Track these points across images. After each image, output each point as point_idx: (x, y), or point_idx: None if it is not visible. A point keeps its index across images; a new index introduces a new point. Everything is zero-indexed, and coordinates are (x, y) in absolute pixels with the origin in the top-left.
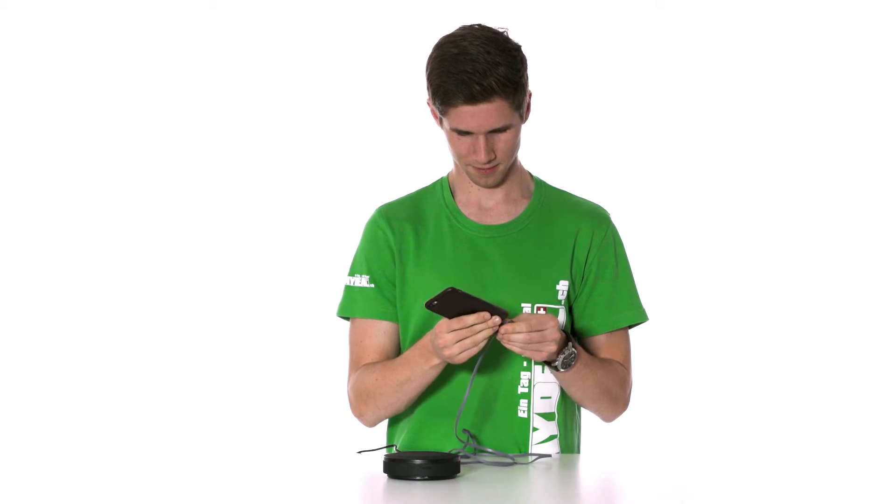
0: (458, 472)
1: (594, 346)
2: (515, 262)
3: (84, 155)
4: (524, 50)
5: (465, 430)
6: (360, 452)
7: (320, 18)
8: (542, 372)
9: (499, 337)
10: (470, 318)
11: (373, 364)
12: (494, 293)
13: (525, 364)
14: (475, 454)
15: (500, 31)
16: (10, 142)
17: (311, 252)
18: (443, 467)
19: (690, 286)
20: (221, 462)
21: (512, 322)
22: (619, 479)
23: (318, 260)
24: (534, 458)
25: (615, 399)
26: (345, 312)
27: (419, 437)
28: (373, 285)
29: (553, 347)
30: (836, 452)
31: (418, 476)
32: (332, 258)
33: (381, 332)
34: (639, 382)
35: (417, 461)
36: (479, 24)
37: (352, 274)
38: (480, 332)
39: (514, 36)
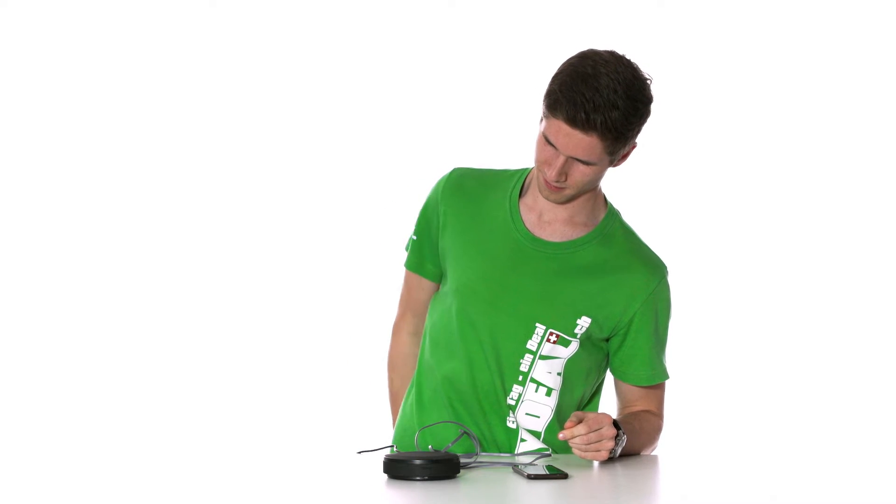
0: (458, 472)
1: (632, 392)
2: (546, 282)
3: (84, 154)
4: (652, 106)
5: (464, 430)
6: (360, 452)
7: (320, 17)
8: (536, 391)
9: (561, 438)
10: None
11: (401, 376)
12: (514, 303)
13: (520, 379)
14: (475, 455)
15: (646, 78)
16: (10, 142)
17: (312, 252)
18: (443, 467)
19: (690, 287)
20: (222, 462)
21: (570, 425)
22: (617, 479)
23: (318, 260)
24: (534, 457)
25: (648, 449)
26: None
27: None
28: (416, 238)
29: (611, 445)
30: (837, 454)
31: (418, 476)
32: (332, 258)
33: (418, 285)
34: None
35: (417, 461)
36: (629, 61)
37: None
38: None
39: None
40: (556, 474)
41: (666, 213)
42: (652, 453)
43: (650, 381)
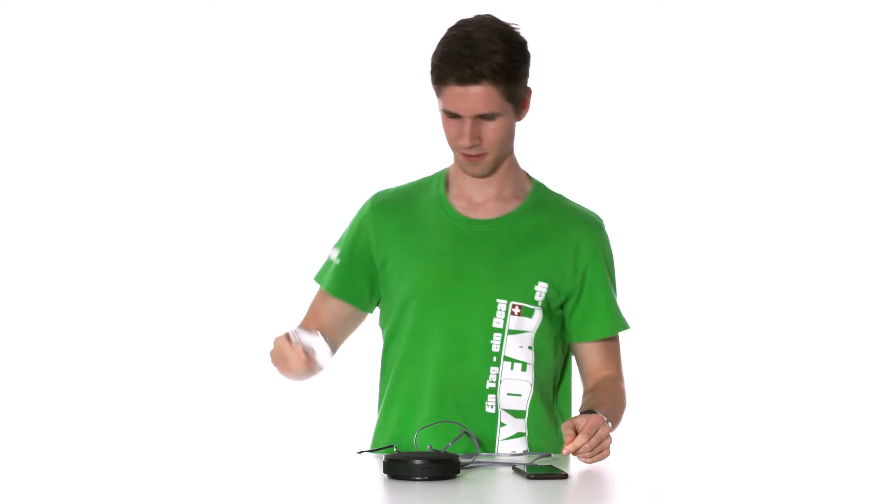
0: (458, 472)
1: (589, 350)
2: (496, 258)
3: (85, 155)
4: (530, 47)
5: (463, 430)
6: (360, 452)
7: (323, 18)
8: (511, 369)
9: (566, 453)
10: None
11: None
12: (471, 286)
13: (494, 360)
14: (475, 455)
15: (512, 25)
16: (10, 142)
17: (312, 251)
18: (443, 467)
19: (688, 287)
20: (222, 462)
21: (570, 439)
22: (616, 479)
23: (316, 259)
24: (534, 457)
25: (622, 414)
26: (317, 278)
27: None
28: (339, 261)
29: (610, 441)
30: (834, 454)
31: (418, 476)
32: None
33: (329, 308)
34: (632, 385)
35: (417, 461)
36: (492, 16)
37: (334, 247)
38: None
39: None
40: (556, 474)
41: (668, 212)
42: (650, 447)
43: (613, 330)
